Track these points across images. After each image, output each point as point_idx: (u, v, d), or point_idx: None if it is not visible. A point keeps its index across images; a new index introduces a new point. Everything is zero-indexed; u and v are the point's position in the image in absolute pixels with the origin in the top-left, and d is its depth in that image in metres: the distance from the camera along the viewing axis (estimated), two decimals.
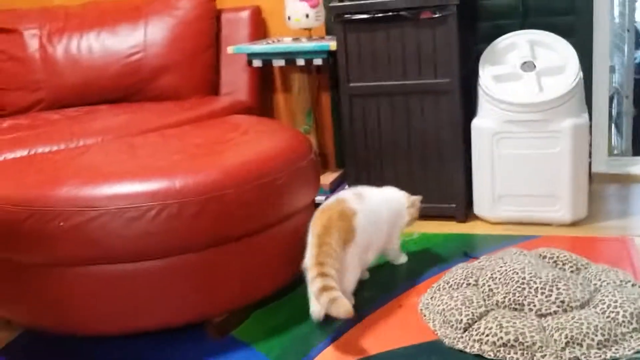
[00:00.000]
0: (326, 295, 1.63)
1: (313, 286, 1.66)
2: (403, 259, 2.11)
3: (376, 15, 2.31)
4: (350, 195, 1.87)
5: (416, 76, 2.33)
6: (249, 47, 2.55)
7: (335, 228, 1.73)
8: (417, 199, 2.07)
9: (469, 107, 2.38)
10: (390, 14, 2.29)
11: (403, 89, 2.35)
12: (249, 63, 2.58)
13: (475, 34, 2.57)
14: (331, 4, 2.36)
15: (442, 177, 2.38)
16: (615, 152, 2.79)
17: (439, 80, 2.30)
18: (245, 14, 2.79)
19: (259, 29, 2.83)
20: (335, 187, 2.67)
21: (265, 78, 2.90)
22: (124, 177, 1.63)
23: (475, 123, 2.31)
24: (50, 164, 1.80)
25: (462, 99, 2.31)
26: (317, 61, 2.50)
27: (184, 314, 1.70)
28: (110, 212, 1.55)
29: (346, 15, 2.35)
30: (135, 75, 2.61)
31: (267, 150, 1.82)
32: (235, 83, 2.76)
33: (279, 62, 2.55)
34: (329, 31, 2.77)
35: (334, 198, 1.87)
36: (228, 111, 2.53)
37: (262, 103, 2.85)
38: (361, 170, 2.48)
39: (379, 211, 1.91)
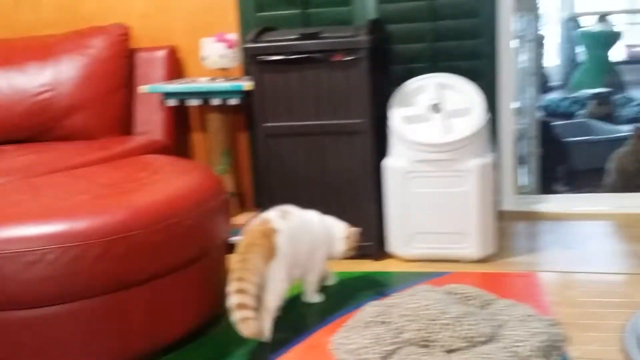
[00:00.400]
0: (239, 313, 1.69)
1: (230, 301, 1.71)
2: (316, 298, 2.11)
3: (290, 57, 2.34)
4: (274, 214, 1.93)
5: (330, 117, 2.37)
6: (163, 86, 2.53)
7: (256, 246, 1.80)
8: (355, 231, 2.12)
9: (383, 147, 2.43)
10: (303, 56, 2.33)
11: (318, 129, 2.38)
12: (164, 103, 2.56)
13: (389, 77, 2.64)
14: (246, 45, 2.38)
15: (357, 216, 2.40)
16: (524, 190, 2.90)
17: (352, 121, 2.35)
18: (160, 54, 2.78)
19: (175, 68, 2.81)
20: None
21: (182, 118, 2.87)
22: (21, 219, 1.56)
23: (387, 163, 2.36)
24: None
25: (376, 139, 2.36)
26: (233, 101, 2.51)
27: None
28: (4, 256, 1.48)
29: (261, 57, 2.37)
30: (44, 114, 2.53)
31: (177, 191, 1.80)
32: (150, 122, 2.73)
33: (194, 102, 2.54)
34: (246, 72, 2.78)
35: (259, 218, 1.93)
36: (142, 151, 2.49)
37: (178, 143, 2.82)
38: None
39: (303, 230, 1.97)
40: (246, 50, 2.38)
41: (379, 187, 2.39)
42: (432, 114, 2.34)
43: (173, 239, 1.69)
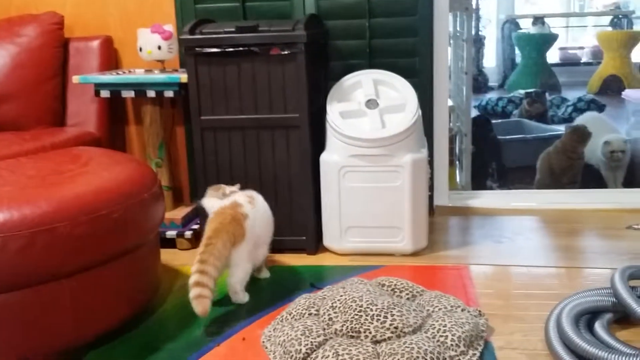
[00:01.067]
0: (195, 290, 1.81)
1: (190, 279, 1.84)
2: (266, 273, 2.24)
3: (227, 50, 2.33)
4: (244, 199, 2.08)
5: (267, 111, 2.37)
6: (96, 77, 2.48)
7: (225, 231, 1.94)
8: None
9: (319, 142, 2.45)
10: (241, 49, 2.32)
11: (254, 122, 2.38)
12: (97, 94, 2.50)
13: (327, 72, 2.66)
14: (182, 37, 2.36)
15: (292, 210, 2.42)
16: (457, 187, 2.98)
17: (288, 115, 2.35)
18: (95, 44, 2.72)
19: (110, 59, 2.76)
20: (187, 221, 2.62)
21: (117, 110, 2.82)
22: None
23: (323, 157, 2.37)
24: None
25: (312, 134, 2.37)
26: (169, 93, 2.48)
27: (9, 356, 1.58)
28: None
29: (197, 49, 2.35)
30: None
31: (105, 183, 1.76)
32: (83, 114, 2.67)
33: (128, 94, 2.49)
34: (183, 64, 2.75)
35: (229, 201, 2.06)
36: (73, 142, 2.44)
37: (112, 135, 2.77)
38: None
39: (267, 214, 2.18)
40: (182, 41, 2.36)
41: (315, 182, 2.41)
42: (367, 109, 2.37)
43: (100, 231, 1.66)
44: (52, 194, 1.65)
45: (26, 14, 2.67)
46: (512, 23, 7.01)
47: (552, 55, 7.00)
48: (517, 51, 6.88)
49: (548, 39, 6.57)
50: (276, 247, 2.43)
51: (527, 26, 6.84)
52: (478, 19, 5.84)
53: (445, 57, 2.72)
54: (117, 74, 2.55)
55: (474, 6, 2.73)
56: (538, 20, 6.57)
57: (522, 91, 5.60)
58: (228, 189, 2.21)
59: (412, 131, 2.31)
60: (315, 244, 2.44)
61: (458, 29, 2.91)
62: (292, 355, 1.64)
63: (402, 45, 2.63)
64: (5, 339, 1.57)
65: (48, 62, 2.58)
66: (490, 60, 7.30)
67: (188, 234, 2.54)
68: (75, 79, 2.48)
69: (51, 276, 1.59)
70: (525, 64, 6.55)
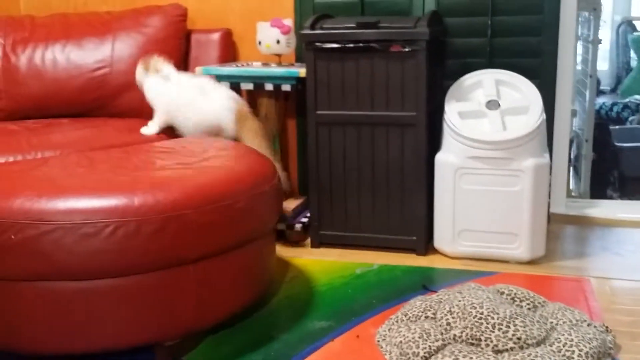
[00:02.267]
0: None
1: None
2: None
3: (347, 46, 2.32)
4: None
5: (383, 108, 2.34)
6: (217, 68, 2.54)
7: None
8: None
9: (434, 141, 2.40)
10: (360, 45, 2.31)
11: (370, 119, 2.36)
12: None
13: (443, 70, 2.61)
14: (302, 32, 2.37)
15: (404, 209, 2.39)
16: (574, 194, 2.84)
17: (405, 113, 2.32)
18: (215, 36, 2.78)
19: (229, 52, 2.82)
20: (297, 213, 2.64)
21: None
22: (80, 192, 1.58)
23: (439, 157, 2.33)
24: (5, 174, 1.74)
25: (428, 133, 2.33)
26: (286, 87, 2.50)
27: (135, 336, 1.64)
28: (64, 226, 1.50)
29: (317, 44, 2.36)
30: (99, 91, 2.56)
31: (230, 174, 1.79)
32: None
33: (247, 86, 2.54)
34: (299, 58, 2.77)
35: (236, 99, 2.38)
36: None
37: None
38: (324, 198, 2.47)
39: None
40: (303, 36, 2.37)
41: (428, 181, 2.36)
42: (488, 110, 2.30)
43: (225, 220, 1.69)
44: (181, 181, 1.69)
45: (152, 5, 2.76)
46: (628, 25, 6.63)
47: None
48: (632, 55, 6.50)
49: None
50: (385, 245, 2.42)
51: None
52: (599, 19, 5.56)
53: (571, 58, 2.60)
54: (236, 66, 2.60)
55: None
56: None
57: (638, 96, 5.28)
58: (161, 65, 2.37)
59: (535, 135, 2.23)
60: (426, 245, 2.40)
61: (583, 29, 2.78)
62: (410, 358, 1.62)
63: (525, 44, 2.54)
64: (133, 319, 1.62)
65: (172, 53, 2.65)
66: (602, 63, 6.95)
67: (298, 226, 2.56)
68: (198, 70, 2.55)
69: (178, 262, 1.64)
70: None
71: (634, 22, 6.75)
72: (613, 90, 6.54)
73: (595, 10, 2.83)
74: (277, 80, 2.50)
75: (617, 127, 4.27)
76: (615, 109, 5.10)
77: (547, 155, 2.28)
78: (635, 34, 6.52)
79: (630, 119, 4.99)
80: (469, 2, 2.56)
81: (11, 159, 1.98)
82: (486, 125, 2.27)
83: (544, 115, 2.28)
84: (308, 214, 2.61)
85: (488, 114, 2.29)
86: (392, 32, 2.28)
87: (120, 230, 1.53)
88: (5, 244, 1.50)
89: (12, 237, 1.50)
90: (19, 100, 2.54)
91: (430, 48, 2.29)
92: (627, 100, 5.32)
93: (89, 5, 2.96)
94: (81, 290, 1.58)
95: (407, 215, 2.39)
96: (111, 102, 2.58)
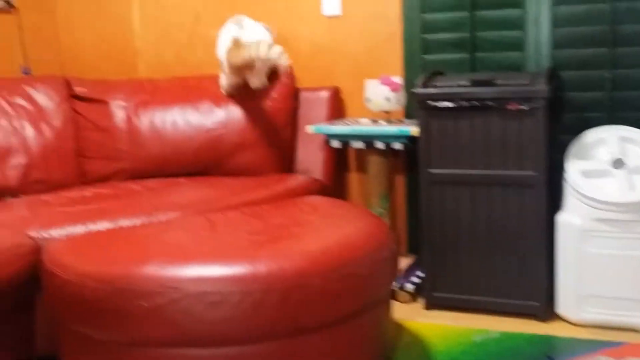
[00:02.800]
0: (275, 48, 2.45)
1: (261, 47, 2.45)
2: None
3: (461, 104, 2.29)
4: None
5: (500, 167, 2.28)
6: (328, 127, 2.56)
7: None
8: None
9: (554, 201, 2.30)
10: (475, 103, 2.27)
11: (485, 179, 2.30)
12: (327, 143, 2.59)
13: (560, 125, 2.52)
14: (414, 90, 2.36)
15: (523, 272, 2.29)
16: None
17: (523, 173, 2.24)
18: (324, 94, 2.82)
19: (337, 109, 2.85)
20: (408, 273, 2.59)
21: (340, 157, 2.89)
22: (207, 259, 1.61)
23: (561, 219, 2.22)
24: (134, 239, 1.81)
25: (548, 193, 2.24)
26: (397, 145, 2.49)
27: None
28: (193, 295, 1.53)
29: (430, 102, 2.33)
30: (215, 151, 2.64)
31: (350, 237, 1.78)
32: (311, 161, 2.77)
33: (357, 145, 2.54)
34: (407, 114, 2.76)
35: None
36: (303, 189, 2.53)
37: (336, 182, 2.84)
38: (437, 258, 2.41)
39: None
40: (415, 95, 2.36)
41: (548, 243, 2.26)
42: (613, 169, 2.18)
43: (346, 287, 1.67)
44: (303, 246, 1.70)
45: None
46: None
47: None
48: None
49: None
50: (503, 310, 2.32)
51: None
52: None
53: None
54: (346, 124, 2.62)
55: None
56: None
57: None
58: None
59: None
60: (547, 311, 2.28)
61: None
62: None
63: None
64: None
65: (283, 112, 2.71)
66: None
67: (409, 287, 2.50)
68: (309, 128, 2.58)
69: (300, 330, 1.63)
70: None
71: None
72: None
73: None
74: (388, 139, 2.49)
75: None
76: None
77: None
78: None
79: None
80: (586, 56, 2.47)
81: (137, 221, 2.05)
82: (612, 185, 2.15)
83: None
84: (419, 274, 2.56)
85: (614, 173, 2.18)
86: (509, 90, 2.22)
87: (246, 299, 1.54)
88: (137, 311, 1.54)
89: (143, 304, 1.54)
90: (141, 160, 2.65)
91: (549, 105, 2.22)
92: None
93: (202, 67, 3.09)
94: (207, 358, 1.60)
95: (526, 279, 2.29)
96: (226, 161, 2.66)
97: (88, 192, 2.42)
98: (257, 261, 1.60)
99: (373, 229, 1.87)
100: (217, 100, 2.72)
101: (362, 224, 1.91)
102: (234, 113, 2.68)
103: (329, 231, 1.84)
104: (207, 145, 2.64)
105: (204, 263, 1.59)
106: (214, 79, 2.84)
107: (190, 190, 2.37)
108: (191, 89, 2.79)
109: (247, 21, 2.67)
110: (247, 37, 2.57)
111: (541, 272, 2.26)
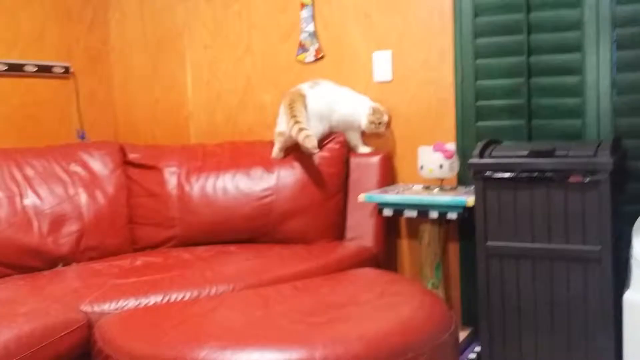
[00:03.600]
0: (302, 133, 2.50)
1: (293, 130, 2.54)
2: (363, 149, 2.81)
3: (520, 176, 2.22)
4: (305, 85, 2.75)
5: (562, 241, 2.18)
6: (381, 196, 2.51)
7: (296, 101, 2.62)
8: (378, 107, 2.74)
9: (620, 277, 2.19)
10: (535, 175, 2.20)
11: (546, 253, 2.21)
12: (379, 212, 2.53)
13: (624, 195, 2.42)
14: (471, 161, 2.30)
15: (589, 353, 2.17)
16: None
17: (587, 247, 2.15)
18: (375, 160, 2.78)
19: (389, 175, 2.80)
20: (465, 346, 2.49)
21: (392, 223, 2.83)
22: (262, 343, 1.56)
23: (629, 298, 2.10)
24: (186, 318, 1.77)
25: (614, 269, 2.13)
26: (452, 215, 2.42)
27: None
28: None
29: (487, 173, 2.27)
30: (265, 218, 2.62)
31: (409, 320, 1.71)
32: (362, 228, 2.72)
33: (410, 213, 2.48)
34: (461, 180, 2.70)
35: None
36: (355, 258, 2.48)
37: (387, 250, 2.77)
38: (496, 333, 2.30)
39: (325, 98, 2.72)
40: (471, 166, 2.30)
41: (616, 324, 2.14)
42: None
43: None
44: (360, 330, 1.63)
45: None
46: None
47: None
48: None
49: None
50: None
51: None
52: None
53: None
54: (398, 192, 2.57)
55: None
56: None
57: None
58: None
59: None
60: None
61: None
62: None
63: None
64: None
65: (333, 179, 2.69)
66: None
67: None
68: (361, 197, 2.54)
69: None
70: None
71: None
72: None
73: None
74: (443, 208, 2.42)
75: None
76: None
77: None
78: None
79: None
80: None
81: (188, 295, 2.02)
82: None
83: None
84: (476, 349, 2.45)
85: None
86: (571, 162, 2.15)
87: None
88: None
89: None
90: (191, 227, 2.64)
91: (613, 178, 2.13)
92: None
93: (253, 132, 3.10)
94: None
95: None
96: (276, 229, 2.63)
97: (139, 260, 2.41)
98: (314, 347, 1.54)
99: (433, 310, 1.80)
100: (267, 165, 2.71)
101: (420, 303, 1.84)
102: (284, 179, 2.66)
103: (387, 312, 1.78)
104: (257, 211, 2.62)
105: (258, 348, 1.55)
106: (265, 144, 2.85)
107: (240, 260, 2.34)
108: (242, 154, 2.79)
109: (326, 84, 2.81)
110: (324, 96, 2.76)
111: (608, 353, 2.14)
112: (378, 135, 2.81)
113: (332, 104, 2.73)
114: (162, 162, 2.76)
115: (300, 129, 2.51)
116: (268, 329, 1.66)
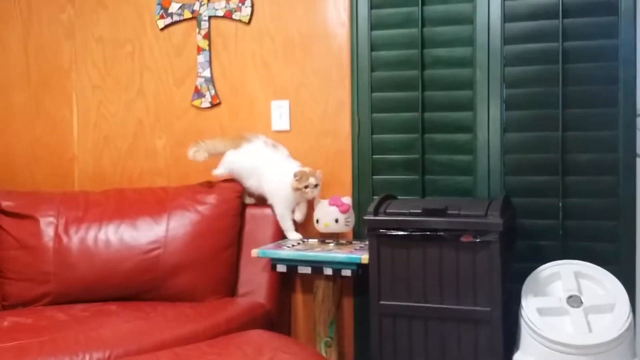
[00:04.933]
0: (191, 149, 2.65)
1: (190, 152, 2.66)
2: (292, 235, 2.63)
3: (413, 234, 2.20)
4: (262, 138, 2.69)
5: (454, 301, 2.17)
6: (274, 251, 2.42)
7: (229, 138, 2.73)
8: (303, 170, 2.54)
9: (509, 337, 2.20)
10: (428, 233, 2.18)
11: (439, 313, 2.18)
12: (273, 268, 2.44)
13: (513, 253, 2.46)
14: (365, 217, 2.26)
15: None
16: None
17: (478, 308, 2.14)
18: (270, 211, 2.70)
19: None
20: None
21: (287, 279, 2.74)
22: None
23: (517, 359, 2.11)
24: None
25: (504, 330, 2.14)
26: (346, 272, 2.36)
27: None
28: None
29: (381, 230, 2.24)
30: (151, 273, 2.46)
31: None
32: (255, 283, 2.61)
33: (305, 270, 2.41)
34: (356, 235, 2.66)
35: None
36: (246, 315, 2.38)
37: (281, 306, 2.67)
38: None
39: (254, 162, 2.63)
40: (366, 222, 2.26)
41: None
42: (569, 307, 2.11)
43: None
44: None
45: (206, 182, 2.71)
46: None
47: None
48: None
49: None
50: None
51: None
52: None
53: None
54: (293, 245, 2.49)
55: None
56: None
57: None
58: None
59: (625, 338, 2.02)
60: None
61: None
62: None
63: (600, 228, 2.39)
64: None
65: (226, 231, 2.58)
66: None
67: None
68: (254, 252, 2.44)
69: None
70: None
71: None
72: None
73: None
74: (337, 265, 2.36)
75: None
76: None
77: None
78: None
79: None
80: (538, 183, 2.46)
81: None
82: (569, 326, 2.07)
83: (632, 316, 2.07)
84: None
85: (570, 311, 2.10)
86: (462, 222, 2.15)
87: None
88: None
89: None
90: (68, 283, 2.44)
91: (503, 237, 2.15)
92: None
93: (143, 178, 2.94)
94: None
95: None
96: (162, 285, 2.47)
97: (7, 321, 2.19)
98: None
99: None
100: (156, 215, 2.56)
101: None
102: (174, 231, 2.52)
103: None
104: (142, 266, 2.45)
105: None
106: (155, 191, 2.70)
107: (120, 322, 2.17)
108: (129, 203, 2.63)
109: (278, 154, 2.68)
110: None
111: None
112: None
113: (258, 169, 2.63)
114: (39, 211, 2.54)
115: (191, 147, 2.63)
116: None
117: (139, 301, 2.44)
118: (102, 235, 2.50)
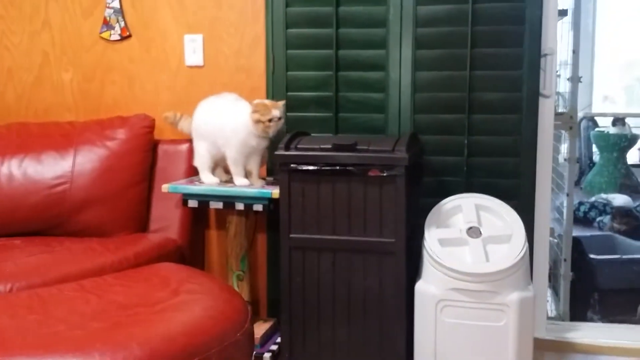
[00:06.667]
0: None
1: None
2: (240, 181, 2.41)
3: (323, 168, 2.23)
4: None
5: (361, 233, 2.23)
6: (185, 187, 2.41)
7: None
8: (262, 102, 2.34)
9: (414, 269, 2.29)
10: (337, 168, 2.22)
11: (346, 245, 2.24)
12: (184, 203, 2.43)
13: (421, 189, 2.54)
14: (276, 152, 2.27)
15: (383, 340, 2.24)
16: (552, 315, 2.74)
17: (384, 240, 2.21)
18: (184, 147, 2.67)
19: None
20: (265, 340, 2.47)
21: (199, 216, 2.74)
22: (31, 353, 1.40)
23: (419, 287, 2.21)
24: None
25: (407, 261, 2.22)
26: (258, 207, 2.38)
27: None
28: None
29: (292, 165, 2.26)
30: (57, 208, 2.40)
31: (198, 321, 1.64)
32: (167, 219, 2.60)
33: (216, 205, 2.41)
34: (270, 171, 2.67)
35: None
36: (156, 252, 2.36)
37: (194, 241, 2.67)
38: (296, 326, 2.31)
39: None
40: (277, 157, 2.27)
41: (408, 312, 2.23)
42: (469, 238, 2.21)
43: None
44: (144, 334, 1.53)
45: (116, 117, 2.64)
46: (590, 121, 6.80)
47: (633, 156, 6.75)
48: (594, 149, 6.65)
49: (628, 139, 6.32)
50: None
51: (606, 124, 6.60)
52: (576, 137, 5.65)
53: (548, 179, 2.55)
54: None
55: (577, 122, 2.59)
56: (618, 120, 6.34)
57: (604, 196, 5.34)
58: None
59: (520, 267, 2.13)
60: None
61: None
62: None
63: (502, 165, 2.49)
64: None
65: (137, 167, 2.53)
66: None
67: (267, 356, 2.38)
68: (164, 187, 2.41)
69: None
70: (603, 163, 6.30)
71: (595, 118, 6.93)
72: (576, 184, 6.63)
73: (572, 129, 2.82)
74: (248, 200, 2.38)
75: (587, 235, 4.22)
76: (582, 208, 5.11)
77: (531, 287, 2.18)
78: (596, 129, 6.69)
79: (597, 219, 5.00)
80: (446, 122, 2.52)
81: None
82: (468, 255, 2.17)
83: (527, 246, 2.19)
84: (278, 340, 2.45)
85: (469, 242, 2.20)
86: (370, 157, 2.19)
87: None
88: None
89: None
90: None
91: (409, 172, 2.22)
92: (593, 199, 5.35)
93: (50, 113, 2.83)
94: None
95: (385, 348, 2.24)
96: (69, 220, 2.42)
97: None
98: (90, 356, 1.41)
99: (225, 309, 1.74)
100: (62, 150, 2.48)
101: (214, 301, 1.77)
102: (81, 167, 2.46)
103: (177, 313, 1.69)
104: (47, 201, 2.39)
105: (26, 358, 1.39)
106: (61, 125, 2.61)
107: (23, 256, 2.12)
108: (33, 138, 2.54)
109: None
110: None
111: (400, 340, 2.23)
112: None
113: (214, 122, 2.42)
114: None
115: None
116: (40, 337, 1.50)
117: (45, 236, 2.39)
118: (4, 169, 2.41)
